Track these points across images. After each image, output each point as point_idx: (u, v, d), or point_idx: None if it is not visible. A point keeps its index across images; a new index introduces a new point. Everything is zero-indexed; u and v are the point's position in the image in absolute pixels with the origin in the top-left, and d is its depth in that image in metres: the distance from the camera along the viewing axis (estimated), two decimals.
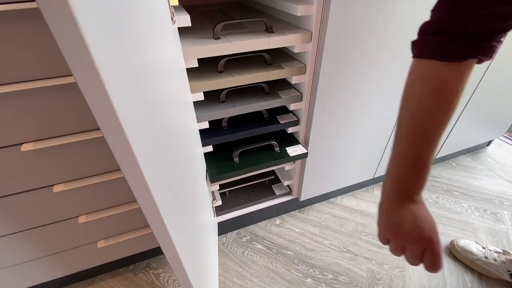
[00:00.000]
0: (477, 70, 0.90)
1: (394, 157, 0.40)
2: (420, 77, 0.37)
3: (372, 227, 0.99)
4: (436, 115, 0.37)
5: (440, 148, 1.14)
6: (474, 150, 1.36)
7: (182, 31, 0.62)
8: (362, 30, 0.62)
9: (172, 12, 0.45)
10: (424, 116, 0.37)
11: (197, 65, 0.56)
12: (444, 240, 0.94)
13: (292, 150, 0.79)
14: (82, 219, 0.64)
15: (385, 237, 0.41)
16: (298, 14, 0.58)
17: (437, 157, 1.17)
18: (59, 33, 0.17)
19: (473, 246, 0.87)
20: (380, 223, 0.42)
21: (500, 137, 1.44)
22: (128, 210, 0.68)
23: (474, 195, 1.12)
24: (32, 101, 0.47)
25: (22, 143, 0.50)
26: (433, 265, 0.36)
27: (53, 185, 0.57)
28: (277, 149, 0.79)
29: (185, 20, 0.50)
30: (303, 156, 0.79)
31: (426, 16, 0.36)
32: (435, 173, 1.23)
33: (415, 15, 0.64)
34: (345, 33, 0.60)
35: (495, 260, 0.82)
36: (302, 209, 1.07)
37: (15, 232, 0.60)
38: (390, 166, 0.41)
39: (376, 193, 1.13)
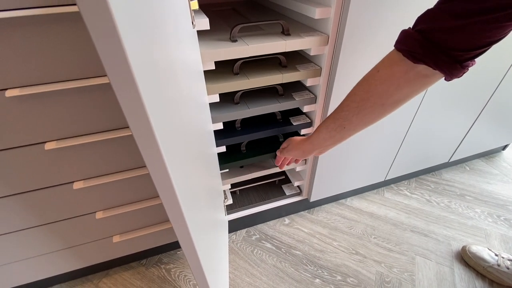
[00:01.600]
0: (497, 73, 0.88)
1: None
2: (381, 61, 0.41)
3: (382, 229, 0.99)
4: (357, 97, 0.43)
5: (454, 152, 1.12)
6: (489, 154, 1.34)
7: (200, 33, 0.62)
8: (380, 34, 0.61)
9: (193, 16, 0.46)
10: (352, 92, 0.45)
11: (214, 68, 0.57)
12: (456, 245, 0.93)
13: None
14: (99, 215, 0.66)
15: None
16: (316, 17, 0.57)
17: (450, 160, 1.15)
18: (98, 36, 0.17)
19: (486, 252, 0.86)
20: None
21: None
22: (143, 207, 0.70)
23: (488, 201, 1.10)
24: (55, 102, 0.48)
25: (46, 142, 0.51)
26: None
27: (73, 182, 0.59)
28: (281, 140, 0.81)
29: (204, 23, 0.50)
30: None
31: None
32: (448, 177, 1.22)
33: None
34: (363, 37, 0.60)
35: (508, 268, 0.81)
36: (312, 209, 1.08)
37: (37, 226, 0.63)
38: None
39: (386, 196, 1.13)
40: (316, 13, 0.57)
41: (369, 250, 0.93)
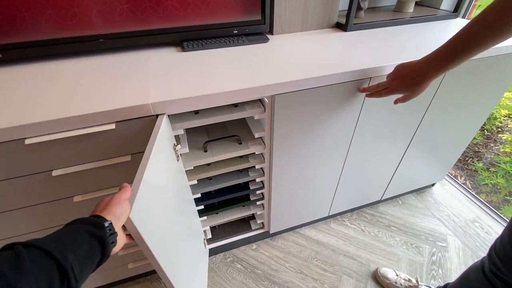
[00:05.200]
0: (414, 119, 1.20)
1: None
2: None
3: (324, 254, 1.35)
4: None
5: (384, 192, 1.46)
6: (421, 190, 1.68)
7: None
8: (302, 114, 0.95)
9: (178, 155, 0.81)
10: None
11: (193, 168, 0.92)
12: (373, 267, 1.29)
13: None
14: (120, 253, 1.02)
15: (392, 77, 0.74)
16: (256, 137, 0.92)
17: (382, 198, 1.50)
18: None
19: (390, 272, 1.22)
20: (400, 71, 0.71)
21: (445, 177, 1.75)
22: None
23: (407, 231, 1.45)
24: (58, 146, 0.83)
25: (52, 170, 0.84)
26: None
27: (73, 196, 0.85)
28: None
29: (184, 151, 0.85)
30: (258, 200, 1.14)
31: None
32: (383, 209, 1.57)
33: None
34: (289, 112, 0.94)
35: (401, 285, 1.17)
36: (274, 237, 1.43)
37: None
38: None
39: (332, 226, 1.48)
40: (255, 135, 0.91)
41: (311, 270, 1.29)
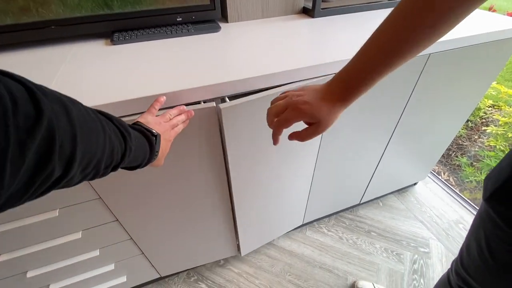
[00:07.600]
0: (392, 116, 1.07)
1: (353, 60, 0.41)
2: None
3: (297, 267, 1.23)
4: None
5: (363, 195, 1.34)
6: (402, 190, 1.57)
7: None
8: (255, 119, 0.81)
9: None
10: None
11: None
12: (351, 279, 1.18)
13: None
14: None
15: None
16: None
17: (361, 202, 1.38)
18: None
19: (368, 286, 1.11)
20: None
21: (428, 175, 1.65)
22: None
23: (388, 236, 1.34)
24: None
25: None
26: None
27: None
28: None
29: None
30: None
31: None
32: (363, 213, 1.45)
33: None
34: (238, 121, 0.79)
35: None
36: None
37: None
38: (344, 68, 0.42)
39: (307, 234, 1.36)
40: None
41: (282, 286, 1.16)
